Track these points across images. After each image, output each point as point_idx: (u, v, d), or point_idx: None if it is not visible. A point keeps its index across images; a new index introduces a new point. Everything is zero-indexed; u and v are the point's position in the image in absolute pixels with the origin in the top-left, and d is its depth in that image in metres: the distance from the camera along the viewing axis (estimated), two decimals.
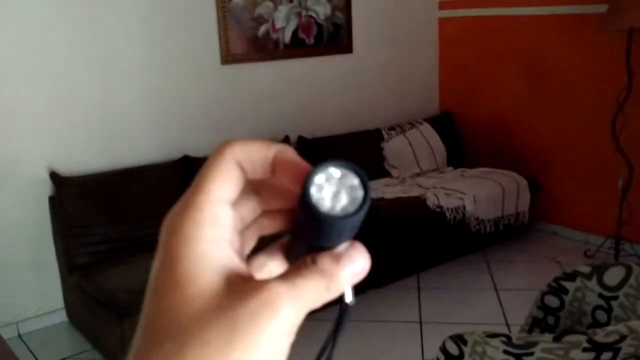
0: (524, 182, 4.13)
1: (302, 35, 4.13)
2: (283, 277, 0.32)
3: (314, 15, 4.15)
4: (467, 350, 1.67)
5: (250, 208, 0.36)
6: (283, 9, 4.01)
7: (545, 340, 1.54)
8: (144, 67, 3.57)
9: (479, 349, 1.63)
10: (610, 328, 1.55)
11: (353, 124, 4.41)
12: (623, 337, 1.50)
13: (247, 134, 3.87)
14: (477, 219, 3.89)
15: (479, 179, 4.12)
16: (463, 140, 4.78)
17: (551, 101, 4.24)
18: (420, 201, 3.84)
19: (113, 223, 3.30)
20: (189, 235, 0.31)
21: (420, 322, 3.27)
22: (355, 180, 0.32)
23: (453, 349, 1.70)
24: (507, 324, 3.19)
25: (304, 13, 4.11)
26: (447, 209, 3.79)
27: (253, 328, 0.29)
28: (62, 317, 3.45)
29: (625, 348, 1.51)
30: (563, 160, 4.24)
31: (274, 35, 4.01)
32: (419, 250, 3.80)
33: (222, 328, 0.29)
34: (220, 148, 0.34)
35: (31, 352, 3.18)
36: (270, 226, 0.37)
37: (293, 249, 0.37)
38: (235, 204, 0.34)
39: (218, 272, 0.31)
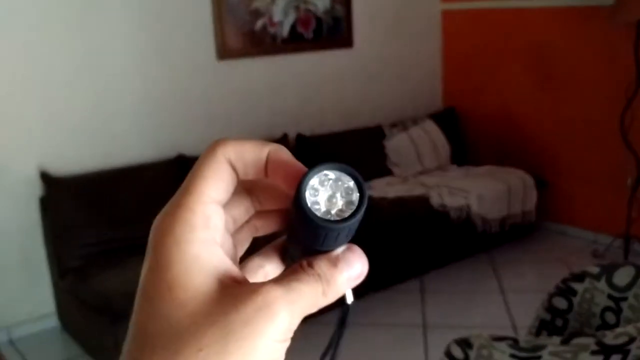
0: (530, 180, 4.10)
1: (300, 29, 4.06)
2: (278, 280, 0.31)
3: (312, 8, 4.09)
4: (472, 354, 1.67)
5: (243, 209, 0.36)
6: (281, 2, 3.95)
7: (553, 343, 1.55)
8: (136, 63, 3.54)
9: (485, 352, 1.64)
10: (619, 330, 1.56)
11: (353, 121, 4.37)
12: (632, 339, 1.50)
13: (243, 131, 3.84)
14: (483, 218, 3.86)
15: (484, 177, 4.10)
16: (467, 136, 4.76)
17: (557, 96, 4.21)
18: (423, 200, 3.81)
19: (106, 224, 3.29)
20: (180, 237, 0.31)
21: (424, 326, 3.25)
22: (350, 182, 0.32)
23: (458, 353, 1.70)
24: (513, 327, 3.16)
25: (302, 6, 4.05)
26: (452, 208, 3.77)
27: (248, 334, 0.29)
28: (54, 321, 3.44)
29: (635, 350, 1.52)
30: (570, 157, 4.22)
31: (271, 30, 3.94)
32: (423, 251, 3.77)
33: (216, 334, 0.29)
34: (212, 147, 0.33)
35: (23, 357, 3.18)
36: (264, 227, 0.37)
37: (289, 251, 0.36)
38: (228, 204, 0.34)
39: (211, 276, 0.31)
